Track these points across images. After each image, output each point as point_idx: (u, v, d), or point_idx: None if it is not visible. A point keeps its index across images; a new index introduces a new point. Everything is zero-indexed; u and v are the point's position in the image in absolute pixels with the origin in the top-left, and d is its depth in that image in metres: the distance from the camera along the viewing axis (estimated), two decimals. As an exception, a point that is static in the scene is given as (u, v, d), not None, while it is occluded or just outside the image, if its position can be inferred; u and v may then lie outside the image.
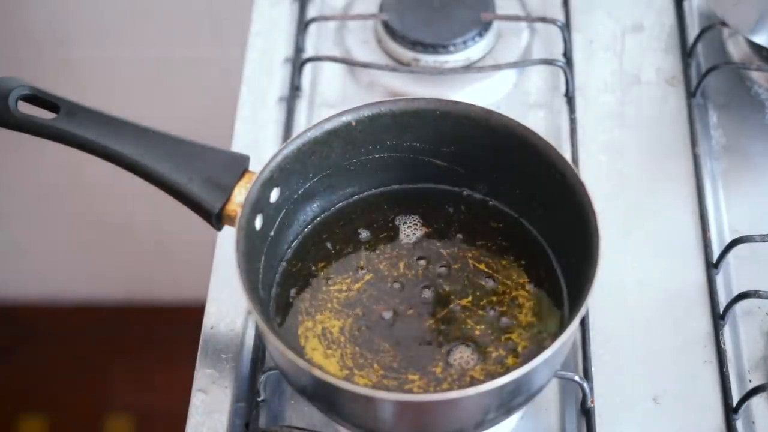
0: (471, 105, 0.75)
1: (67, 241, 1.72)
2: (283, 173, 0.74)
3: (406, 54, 0.95)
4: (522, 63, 0.95)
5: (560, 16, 0.98)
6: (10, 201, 1.67)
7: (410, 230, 0.78)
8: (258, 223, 0.72)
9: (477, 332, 0.73)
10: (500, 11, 0.97)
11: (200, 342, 0.79)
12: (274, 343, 0.66)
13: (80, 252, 1.74)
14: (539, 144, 0.73)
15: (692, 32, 0.97)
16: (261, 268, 0.73)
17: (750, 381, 0.78)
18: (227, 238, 0.76)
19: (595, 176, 0.88)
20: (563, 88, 0.94)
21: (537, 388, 0.69)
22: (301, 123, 0.92)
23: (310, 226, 0.78)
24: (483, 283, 0.75)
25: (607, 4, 1.00)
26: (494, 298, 0.74)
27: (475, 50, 0.95)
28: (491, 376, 0.70)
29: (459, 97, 0.78)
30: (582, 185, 0.71)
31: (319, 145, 0.75)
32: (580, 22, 0.99)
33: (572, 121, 0.91)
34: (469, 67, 0.94)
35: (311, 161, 0.75)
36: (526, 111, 0.93)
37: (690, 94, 0.93)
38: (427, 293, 0.75)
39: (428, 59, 0.94)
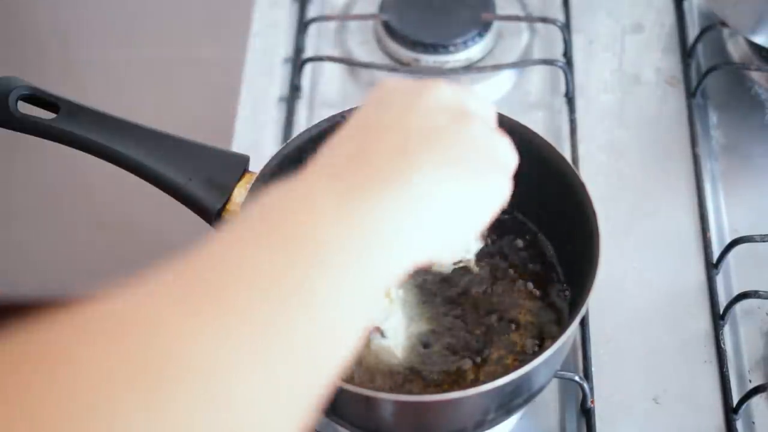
0: (471, 105, 0.75)
1: (67, 241, 1.72)
2: (283, 173, 0.74)
3: (406, 54, 0.95)
4: (522, 63, 0.95)
5: (560, 16, 0.98)
6: (11, 201, 1.67)
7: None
8: (258, 223, 0.72)
9: (477, 332, 0.73)
10: (500, 11, 0.98)
11: (200, 342, 0.79)
12: (274, 343, 0.66)
13: (80, 252, 1.74)
14: (539, 144, 0.73)
15: (692, 32, 0.97)
16: (261, 268, 0.72)
17: (750, 381, 0.78)
18: (227, 238, 0.76)
19: (595, 176, 0.88)
20: (563, 88, 0.94)
21: (537, 389, 0.69)
22: (301, 123, 0.92)
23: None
24: (483, 282, 0.75)
25: (607, 4, 1.00)
26: (494, 299, 0.74)
27: (475, 50, 0.95)
28: (491, 376, 0.70)
29: (459, 97, 0.77)
30: (582, 185, 0.71)
31: (319, 146, 0.75)
32: (580, 22, 0.99)
33: (572, 121, 0.91)
34: (469, 67, 0.94)
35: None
36: (526, 111, 0.93)
37: (690, 94, 0.93)
38: (427, 294, 0.75)
39: (428, 59, 0.94)
